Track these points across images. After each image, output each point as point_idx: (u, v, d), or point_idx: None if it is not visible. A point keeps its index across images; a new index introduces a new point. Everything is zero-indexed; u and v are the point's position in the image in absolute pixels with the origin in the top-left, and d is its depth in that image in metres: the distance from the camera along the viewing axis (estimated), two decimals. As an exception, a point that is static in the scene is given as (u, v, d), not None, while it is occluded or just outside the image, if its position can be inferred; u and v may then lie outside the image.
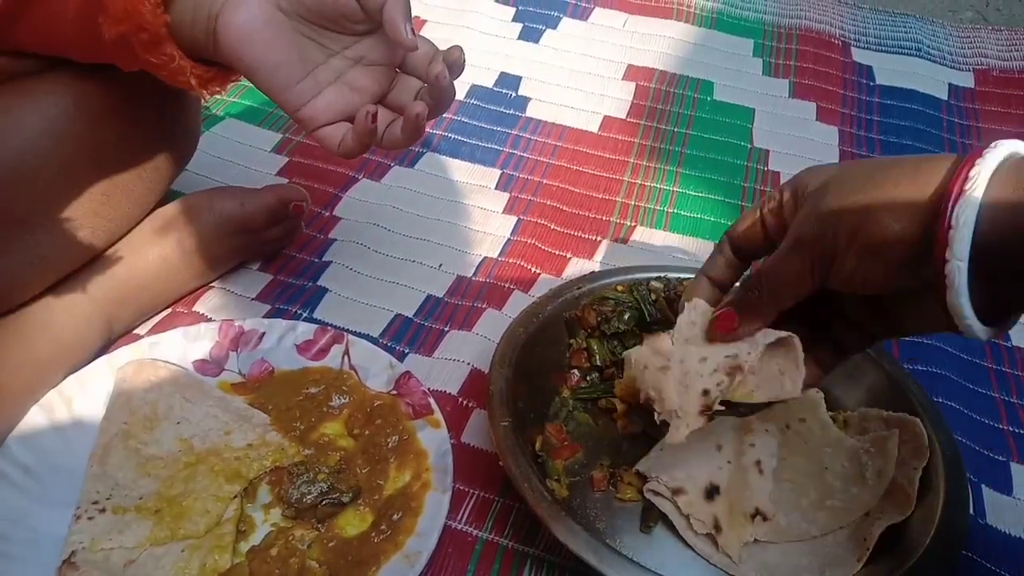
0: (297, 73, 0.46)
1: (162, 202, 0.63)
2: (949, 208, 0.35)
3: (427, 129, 0.85)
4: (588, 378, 0.58)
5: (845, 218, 0.39)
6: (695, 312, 0.47)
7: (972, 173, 0.35)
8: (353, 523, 0.48)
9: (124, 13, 0.44)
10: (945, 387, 0.62)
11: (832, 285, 0.41)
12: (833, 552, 0.47)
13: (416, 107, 0.45)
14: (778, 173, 0.84)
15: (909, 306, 0.42)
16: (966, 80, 0.99)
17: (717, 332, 0.45)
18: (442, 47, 0.51)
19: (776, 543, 0.48)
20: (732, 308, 0.45)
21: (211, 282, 0.65)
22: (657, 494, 0.49)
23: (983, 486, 0.55)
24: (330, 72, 0.47)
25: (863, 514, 0.49)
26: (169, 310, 0.63)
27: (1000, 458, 0.58)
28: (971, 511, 0.51)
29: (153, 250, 0.60)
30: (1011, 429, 0.60)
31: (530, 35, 1.01)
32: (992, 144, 0.36)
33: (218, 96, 0.88)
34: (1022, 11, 1.13)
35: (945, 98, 0.96)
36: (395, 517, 0.48)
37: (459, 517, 0.51)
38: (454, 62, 0.46)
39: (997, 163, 0.35)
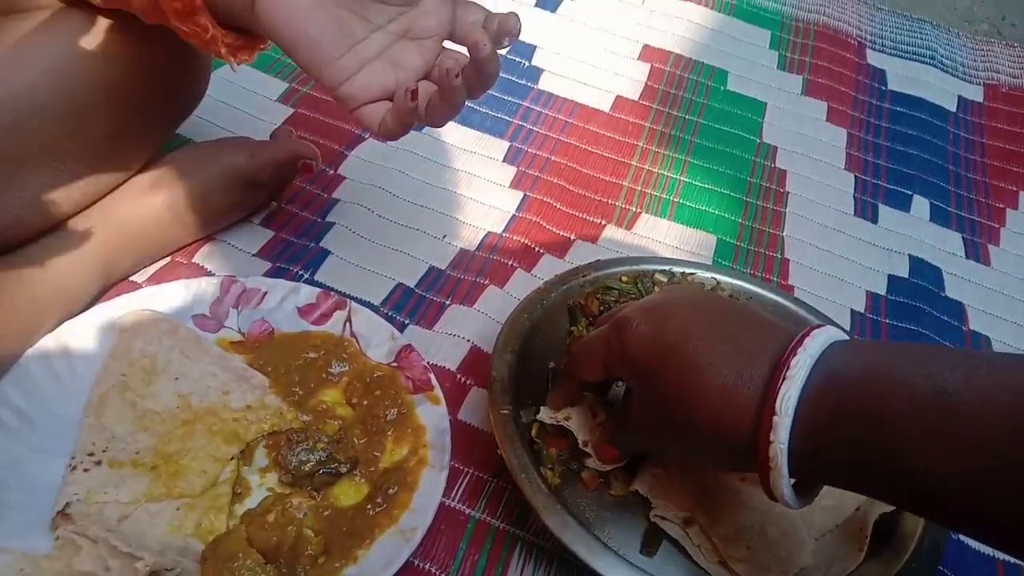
0: (338, 48, 0.43)
1: (165, 149, 0.61)
2: (776, 398, 0.37)
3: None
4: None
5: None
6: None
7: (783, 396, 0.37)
8: (348, 493, 0.49)
9: None
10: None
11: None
12: (834, 550, 0.49)
13: (446, 62, 0.42)
14: (784, 171, 0.84)
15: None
16: (976, 94, 0.99)
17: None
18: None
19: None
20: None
21: (212, 234, 0.64)
22: (664, 519, 0.50)
23: (957, 502, 0.57)
24: (373, 48, 0.45)
25: (855, 508, 0.50)
26: (168, 259, 0.62)
27: (974, 476, 0.60)
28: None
29: (157, 197, 0.59)
30: (987, 448, 0.62)
31: (547, 3, 0.99)
32: (809, 335, 0.38)
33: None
34: (1037, 28, 1.13)
35: (953, 110, 0.96)
36: (391, 491, 0.48)
37: (453, 494, 0.51)
38: (500, 30, 0.42)
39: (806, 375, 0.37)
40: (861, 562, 0.48)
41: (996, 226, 0.83)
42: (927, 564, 0.47)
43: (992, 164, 0.91)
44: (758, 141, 0.87)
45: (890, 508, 0.49)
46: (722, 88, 0.93)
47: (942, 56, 1.04)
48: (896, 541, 0.48)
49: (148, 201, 0.58)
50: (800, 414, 0.37)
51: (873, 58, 1.02)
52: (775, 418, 0.37)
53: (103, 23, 0.51)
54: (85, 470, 0.45)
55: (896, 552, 0.47)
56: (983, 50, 1.06)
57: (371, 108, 0.45)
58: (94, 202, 0.57)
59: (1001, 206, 0.86)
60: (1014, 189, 0.88)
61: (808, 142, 0.88)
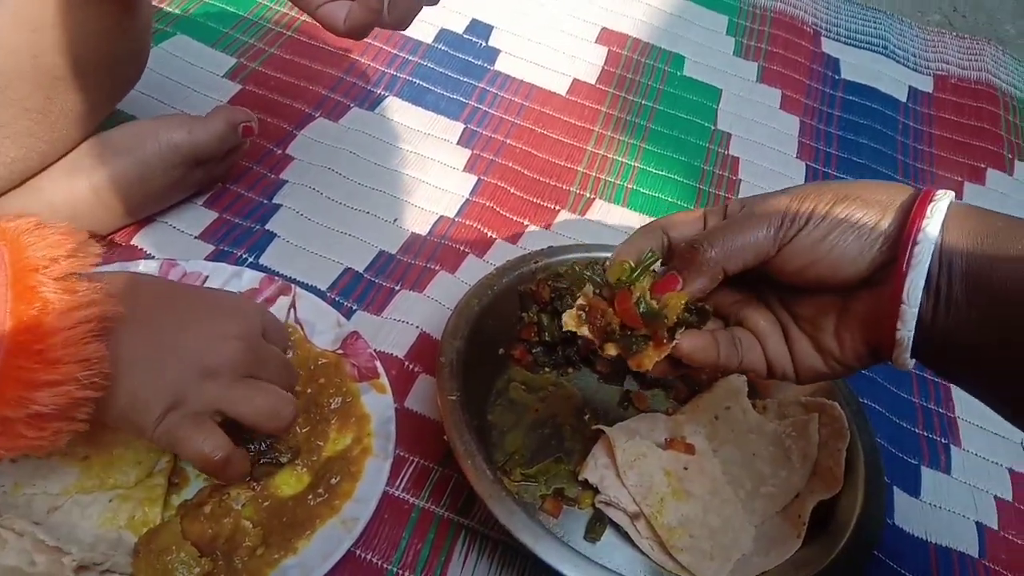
0: None
1: (105, 125, 0.59)
2: (904, 263, 0.37)
3: (391, 71, 0.82)
4: (534, 351, 0.58)
5: (826, 191, 0.40)
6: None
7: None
8: (289, 483, 0.48)
9: None
10: (870, 388, 0.65)
11: (786, 262, 0.41)
12: (772, 534, 0.49)
13: None
14: (737, 159, 0.84)
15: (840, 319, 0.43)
16: (926, 84, 1.01)
17: (655, 293, 0.42)
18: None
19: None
20: (674, 271, 0.42)
21: (152, 215, 0.62)
22: (609, 504, 0.50)
23: (894, 487, 0.59)
24: None
25: (794, 495, 0.52)
26: (106, 242, 0.60)
27: (912, 461, 0.61)
28: (882, 512, 0.54)
29: (93, 176, 0.56)
30: (925, 434, 0.64)
31: (505, -18, 0.97)
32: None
33: (172, 9, 0.82)
34: (986, 20, 1.15)
35: (904, 100, 0.98)
36: (333, 480, 0.47)
37: (397, 483, 0.51)
38: None
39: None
40: (799, 547, 0.49)
41: (941, 216, 0.85)
42: (863, 549, 0.48)
43: (939, 154, 0.92)
44: (712, 128, 0.87)
45: (827, 495, 0.50)
46: (678, 73, 0.93)
47: (894, 46, 1.05)
48: (833, 527, 0.49)
49: (83, 181, 0.56)
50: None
51: (828, 46, 1.02)
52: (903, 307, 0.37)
53: None
54: (12, 460, 0.44)
55: (833, 537, 0.48)
56: (934, 41, 1.08)
57: (332, 6, 0.44)
58: (25, 181, 0.54)
59: (946, 196, 0.88)
60: (959, 179, 0.90)
61: (762, 130, 0.89)
